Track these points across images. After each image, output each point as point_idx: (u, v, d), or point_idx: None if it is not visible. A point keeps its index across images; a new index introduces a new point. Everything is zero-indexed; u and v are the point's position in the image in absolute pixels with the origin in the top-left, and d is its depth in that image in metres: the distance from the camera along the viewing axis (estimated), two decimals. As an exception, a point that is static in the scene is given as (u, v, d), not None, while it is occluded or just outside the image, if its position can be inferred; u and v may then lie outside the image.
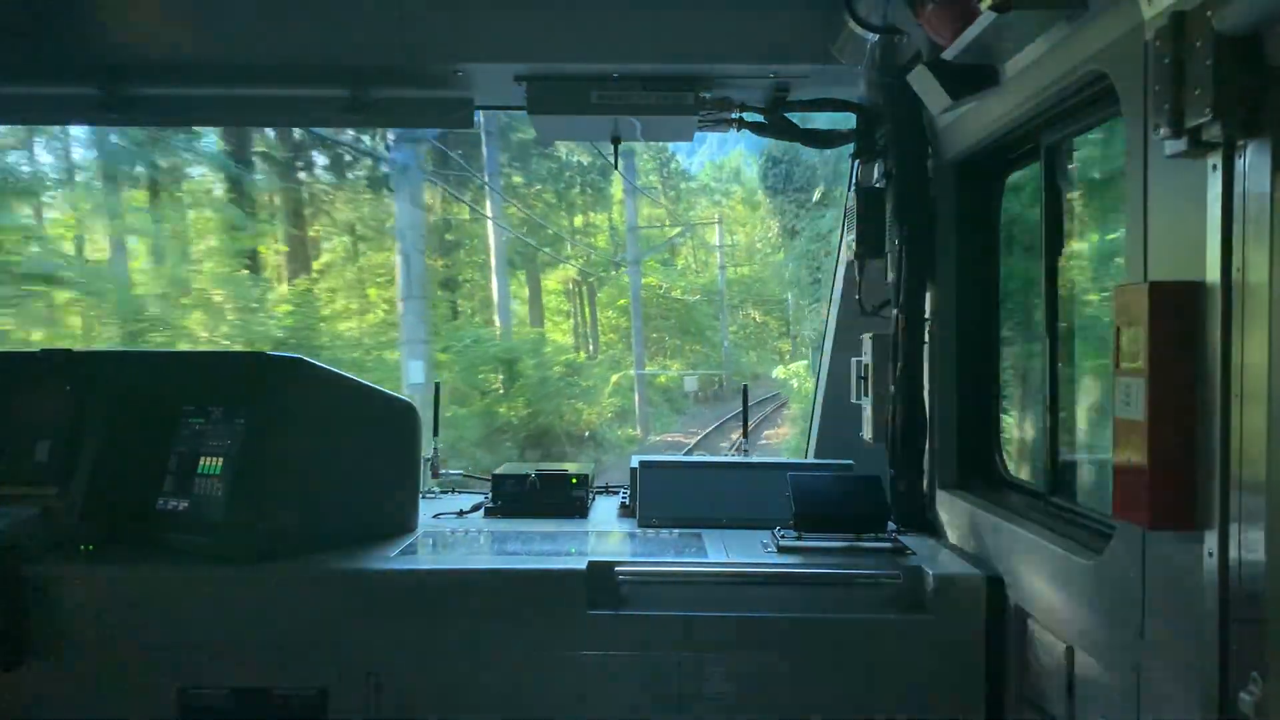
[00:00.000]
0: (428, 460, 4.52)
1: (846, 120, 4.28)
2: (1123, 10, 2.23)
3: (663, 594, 3.27)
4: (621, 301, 36.63)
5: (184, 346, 15.41)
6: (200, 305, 17.34)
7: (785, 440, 24.83)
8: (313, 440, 3.55)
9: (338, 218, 23.98)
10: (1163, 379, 2.05)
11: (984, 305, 3.71)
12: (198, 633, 3.24)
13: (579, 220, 38.15)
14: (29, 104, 4.19)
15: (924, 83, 3.25)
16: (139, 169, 17.64)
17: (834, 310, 4.80)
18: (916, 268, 3.77)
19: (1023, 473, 3.62)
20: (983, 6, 2.51)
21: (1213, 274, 1.94)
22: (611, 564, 3.28)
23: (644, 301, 35.10)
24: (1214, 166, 1.92)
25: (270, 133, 21.00)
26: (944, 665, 3.17)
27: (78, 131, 16.69)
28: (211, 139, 18.79)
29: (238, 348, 15.14)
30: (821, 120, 4.73)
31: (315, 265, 23.33)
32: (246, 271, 19.19)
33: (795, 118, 4.19)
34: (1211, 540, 1.95)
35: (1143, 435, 2.07)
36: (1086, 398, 3.32)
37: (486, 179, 24.37)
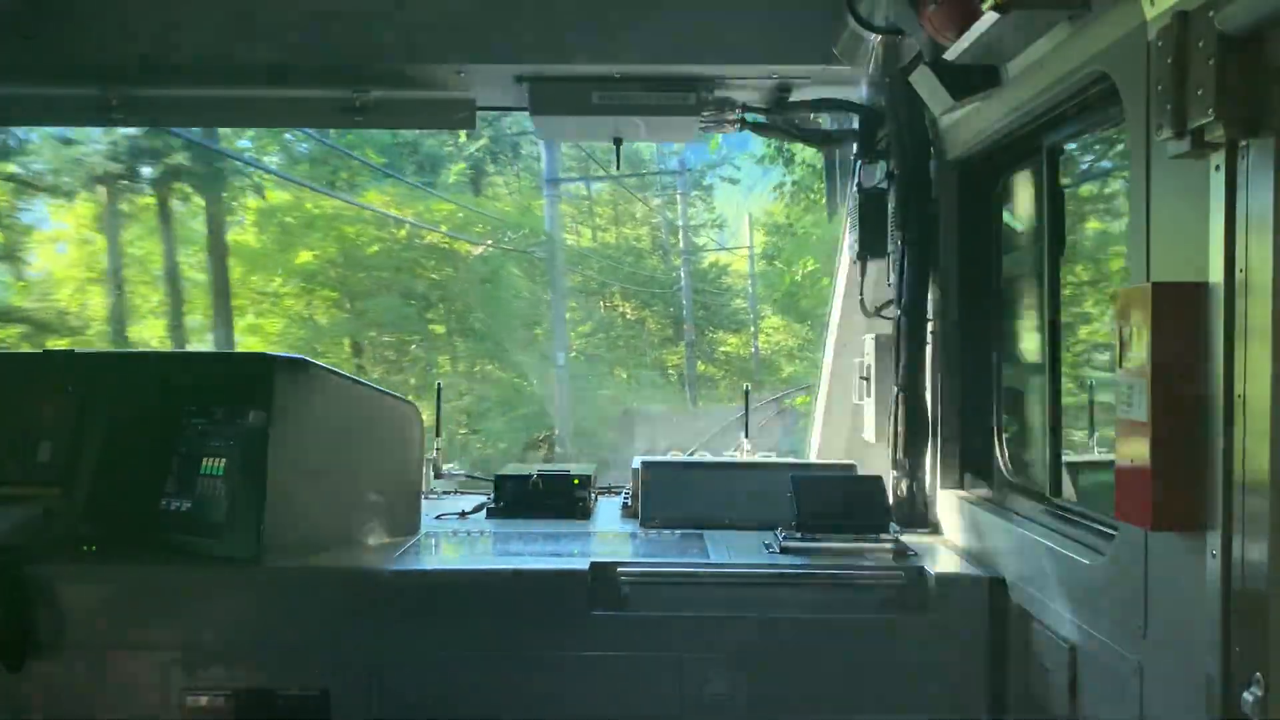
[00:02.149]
0: (430, 461, 4.52)
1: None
2: (1125, 10, 2.22)
3: (665, 595, 3.27)
4: (304, 257, 15.73)
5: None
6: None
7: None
8: (315, 441, 3.55)
9: None
10: (1165, 380, 2.05)
11: (985, 305, 3.71)
12: (200, 634, 3.24)
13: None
14: (31, 105, 4.21)
15: (926, 83, 3.25)
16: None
17: (836, 311, 4.80)
18: (918, 268, 3.77)
19: (1025, 473, 3.61)
20: (985, 7, 2.51)
21: (1215, 275, 1.94)
22: (614, 564, 3.28)
23: (374, 257, 15.70)
24: (1216, 167, 1.92)
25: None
26: (946, 666, 3.17)
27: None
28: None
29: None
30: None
31: None
32: None
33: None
34: (1214, 541, 1.95)
35: (1145, 436, 2.07)
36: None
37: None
